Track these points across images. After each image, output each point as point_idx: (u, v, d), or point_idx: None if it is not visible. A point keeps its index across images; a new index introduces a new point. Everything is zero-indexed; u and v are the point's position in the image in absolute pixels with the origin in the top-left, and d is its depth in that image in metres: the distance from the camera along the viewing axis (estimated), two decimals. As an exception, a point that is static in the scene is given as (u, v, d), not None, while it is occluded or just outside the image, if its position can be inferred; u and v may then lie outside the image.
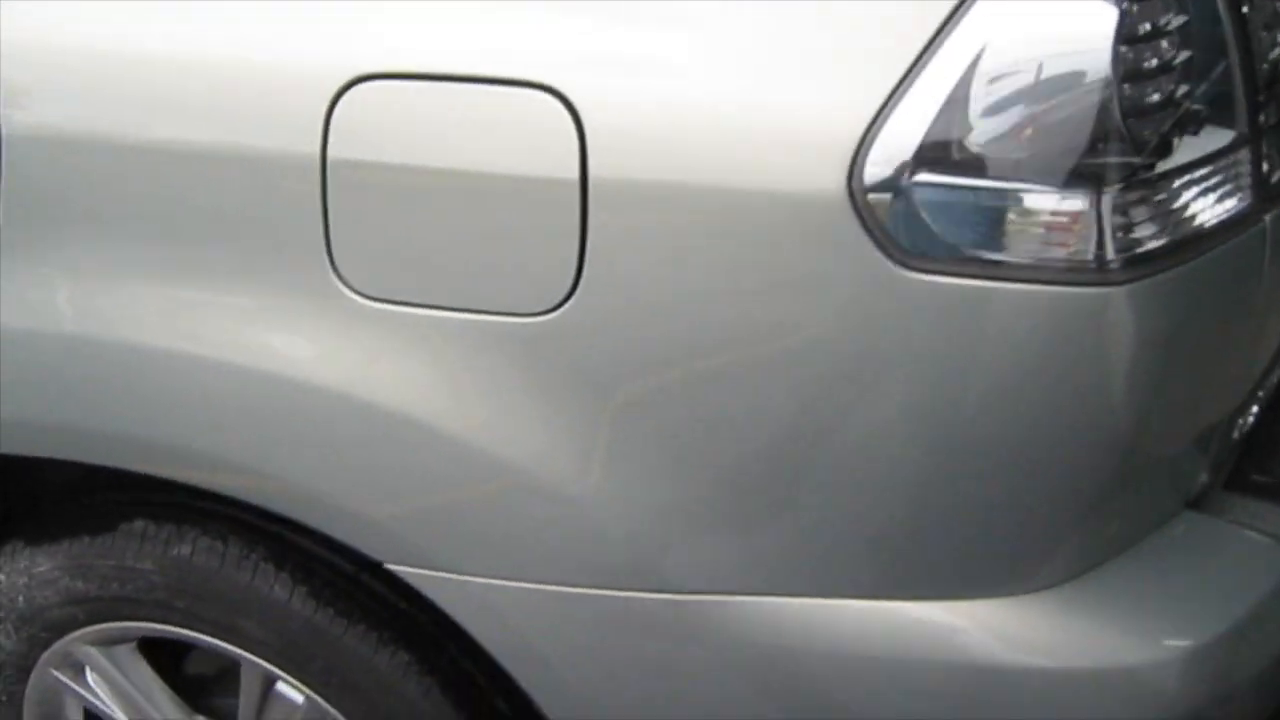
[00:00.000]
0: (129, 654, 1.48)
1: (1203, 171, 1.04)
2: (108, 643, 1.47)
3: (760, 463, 1.09)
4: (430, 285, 1.10)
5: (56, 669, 1.50)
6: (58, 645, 1.47)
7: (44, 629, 1.46)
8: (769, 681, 1.16)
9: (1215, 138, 1.06)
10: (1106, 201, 0.99)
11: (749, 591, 1.14)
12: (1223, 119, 1.07)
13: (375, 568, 1.34)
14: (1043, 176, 0.99)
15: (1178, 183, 1.03)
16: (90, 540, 1.39)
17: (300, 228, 1.10)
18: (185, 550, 1.34)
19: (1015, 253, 1.00)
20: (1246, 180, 1.08)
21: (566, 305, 1.06)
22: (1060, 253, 1.00)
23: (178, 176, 1.12)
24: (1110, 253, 1.00)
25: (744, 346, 1.05)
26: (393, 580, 1.34)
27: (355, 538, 1.21)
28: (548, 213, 1.04)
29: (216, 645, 1.39)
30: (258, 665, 1.38)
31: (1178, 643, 1.16)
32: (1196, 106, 1.03)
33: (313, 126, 1.07)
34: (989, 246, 1.00)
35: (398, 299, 1.10)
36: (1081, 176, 0.98)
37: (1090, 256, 1.00)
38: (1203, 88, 1.04)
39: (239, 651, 1.37)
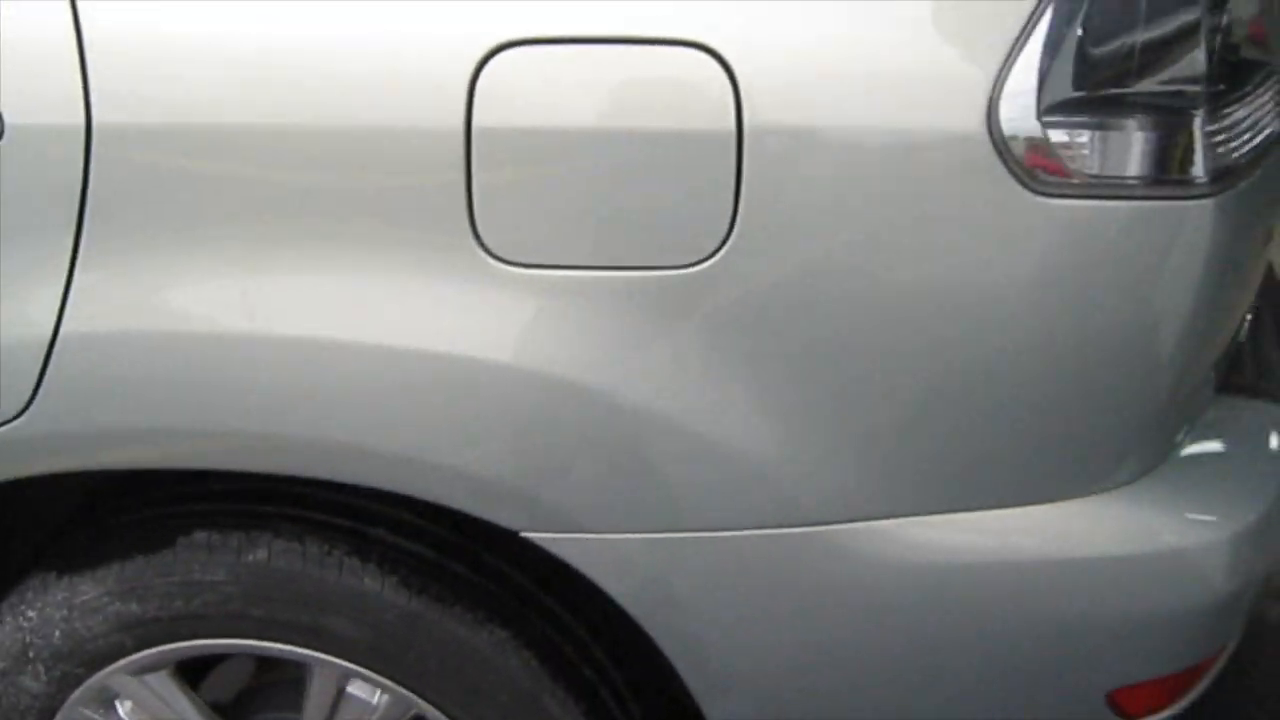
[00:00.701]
0: (165, 680, 1.42)
1: (1257, 97, 1.19)
2: (147, 670, 1.40)
3: (905, 388, 1.16)
4: (577, 246, 1.12)
5: (86, 706, 1.42)
6: (93, 680, 1.40)
7: (81, 664, 1.38)
8: (901, 599, 1.24)
9: (1254, 68, 1.22)
10: (1199, 123, 1.12)
11: (884, 515, 1.21)
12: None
13: (457, 550, 1.35)
14: (1151, 105, 1.11)
15: (1243, 107, 1.17)
16: (146, 559, 1.33)
17: (446, 201, 1.10)
18: (261, 555, 1.31)
19: (1130, 173, 1.12)
20: (1277, 106, 1.24)
21: (719, 254, 1.11)
22: (1165, 171, 1.12)
23: (320, 162, 1.11)
24: (1202, 170, 1.13)
25: (894, 281, 1.13)
26: (477, 560, 1.35)
27: (492, 510, 1.21)
28: (703, 165, 1.09)
29: (290, 653, 1.35)
30: (335, 667, 1.35)
31: (1226, 527, 1.31)
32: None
33: (457, 97, 1.08)
34: (1107, 169, 1.11)
35: (543, 263, 1.12)
36: (1182, 101, 1.11)
37: (1190, 173, 1.13)
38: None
39: (317, 655, 1.34)
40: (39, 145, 1.11)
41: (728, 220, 1.10)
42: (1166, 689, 1.36)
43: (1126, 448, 1.24)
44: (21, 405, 1.18)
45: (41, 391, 1.17)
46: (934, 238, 1.12)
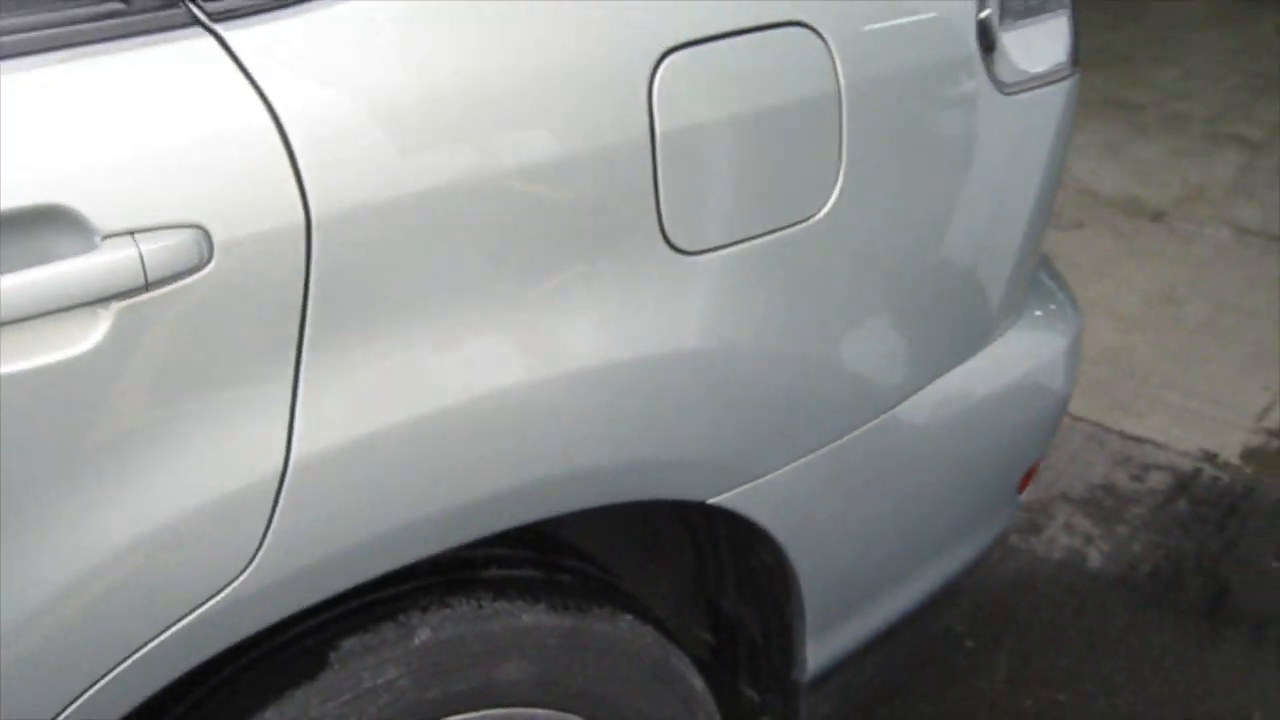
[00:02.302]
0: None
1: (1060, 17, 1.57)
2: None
3: (934, 279, 1.42)
4: (739, 221, 1.23)
5: None
6: None
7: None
8: (933, 445, 1.52)
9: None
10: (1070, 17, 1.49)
11: (924, 383, 1.47)
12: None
13: (545, 564, 1.38)
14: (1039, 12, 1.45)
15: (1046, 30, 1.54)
16: (306, 688, 1.20)
17: (639, 210, 1.15)
18: (425, 634, 1.25)
19: (1041, 67, 1.46)
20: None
21: (832, 201, 1.28)
22: (1053, 64, 1.47)
23: (528, 199, 1.10)
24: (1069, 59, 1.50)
25: (936, 198, 1.38)
26: (562, 565, 1.40)
27: (688, 487, 1.28)
28: (819, 125, 1.25)
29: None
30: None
31: (1067, 334, 1.73)
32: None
33: (638, 106, 1.13)
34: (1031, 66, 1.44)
35: (716, 244, 1.21)
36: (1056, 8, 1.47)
37: (1060, 62, 1.49)
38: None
39: (495, 713, 1.31)
40: (256, 257, 0.98)
41: (837, 171, 1.27)
42: (1033, 471, 1.77)
43: (1015, 300, 1.60)
44: (247, 557, 1.04)
45: (272, 533, 1.04)
46: (955, 149, 1.38)
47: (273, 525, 1.04)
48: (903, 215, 1.36)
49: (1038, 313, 1.68)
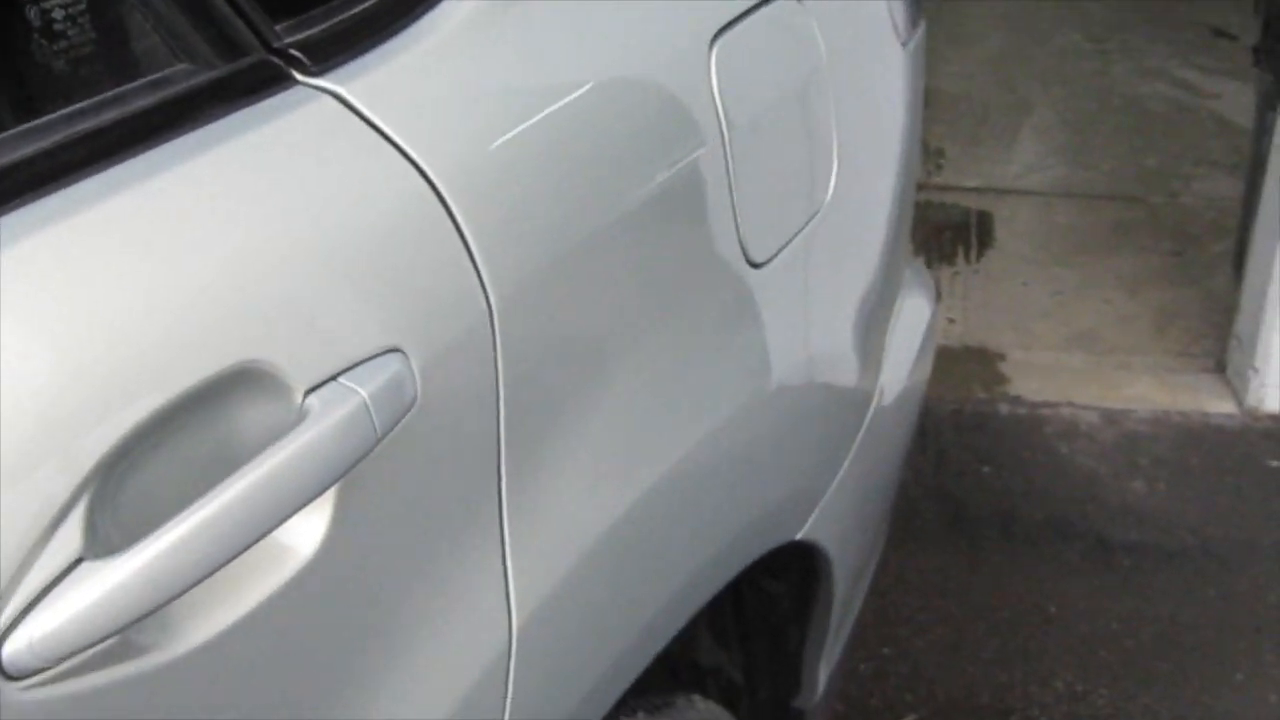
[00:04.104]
0: None
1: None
2: None
3: (902, 221, 1.36)
4: (787, 218, 1.09)
5: None
6: None
7: None
8: (897, 426, 1.44)
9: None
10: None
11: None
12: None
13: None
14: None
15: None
16: None
17: (720, 223, 0.99)
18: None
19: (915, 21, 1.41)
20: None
21: (833, 184, 1.17)
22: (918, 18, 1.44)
23: (645, 230, 0.90)
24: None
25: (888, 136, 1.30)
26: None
27: (785, 527, 1.12)
28: (819, 102, 1.13)
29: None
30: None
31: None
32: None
33: (705, 98, 0.97)
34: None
35: (775, 250, 1.07)
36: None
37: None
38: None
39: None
40: (456, 373, 0.74)
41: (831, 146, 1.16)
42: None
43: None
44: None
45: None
46: (891, 104, 1.31)
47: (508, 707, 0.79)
48: (877, 186, 1.26)
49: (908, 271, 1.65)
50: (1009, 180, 4.16)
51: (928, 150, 4.37)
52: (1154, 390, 3.00)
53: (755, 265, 1.03)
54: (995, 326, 3.31)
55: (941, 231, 3.84)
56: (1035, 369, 3.11)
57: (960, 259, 3.69)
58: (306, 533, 0.64)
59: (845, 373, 1.23)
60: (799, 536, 1.16)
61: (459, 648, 0.75)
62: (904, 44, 1.34)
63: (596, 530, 0.84)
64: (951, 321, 3.35)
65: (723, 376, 0.98)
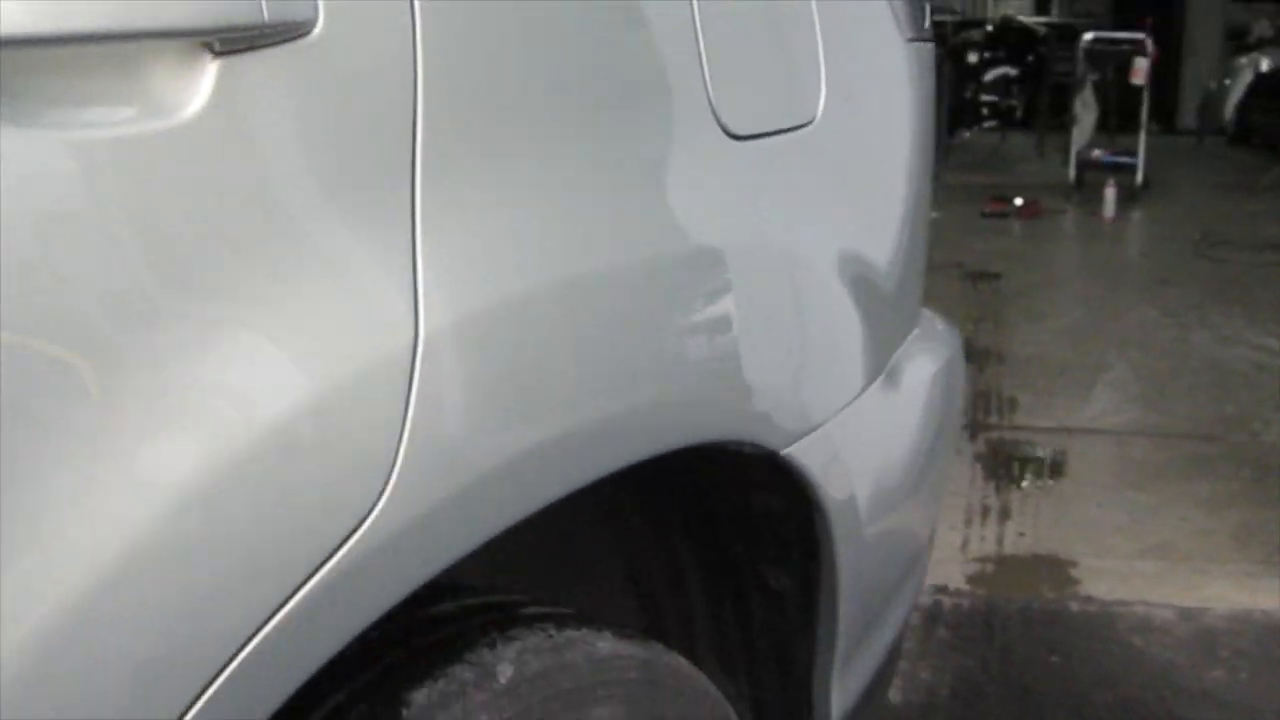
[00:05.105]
0: None
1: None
2: None
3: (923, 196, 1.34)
4: (775, 109, 1.08)
5: None
6: None
7: None
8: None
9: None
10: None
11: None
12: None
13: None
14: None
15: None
16: None
17: (685, 82, 0.98)
18: (508, 671, 0.93)
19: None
20: None
21: (821, 106, 1.17)
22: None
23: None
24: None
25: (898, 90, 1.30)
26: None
27: (763, 429, 1.05)
28: (802, 20, 1.15)
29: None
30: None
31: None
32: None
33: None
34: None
35: (762, 131, 1.06)
36: None
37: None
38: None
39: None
40: (365, 38, 0.72)
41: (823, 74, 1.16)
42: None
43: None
44: (378, 488, 0.72)
45: (404, 446, 0.73)
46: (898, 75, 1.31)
47: (406, 436, 0.73)
48: (878, 125, 1.26)
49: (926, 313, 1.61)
50: (1083, 421, 4.10)
51: (999, 399, 4.34)
52: (1233, 591, 2.83)
53: (733, 136, 1.02)
54: (1066, 539, 3.19)
55: (1011, 462, 3.75)
56: (1107, 573, 2.97)
57: (1031, 484, 3.59)
58: (179, 95, 0.62)
59: (861, 292, 1.18)
60: (783, 450, 1.08)
61: (358, 313, 0.70)
62: (907, 40, 1.36)
63: (515, 287, 0.80)
64: (1021, 534, 3.24)
65: (669, 216, 0.95)
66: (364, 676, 0.90)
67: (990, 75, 11.18)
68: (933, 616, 2.81)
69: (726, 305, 1.00)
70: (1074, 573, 2.99)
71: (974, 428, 4.03)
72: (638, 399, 0.91)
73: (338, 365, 0.70)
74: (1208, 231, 7.42)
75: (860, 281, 1.21)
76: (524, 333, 0.81)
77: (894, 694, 2.49)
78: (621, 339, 0.89)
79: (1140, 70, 8.75)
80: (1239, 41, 13.22)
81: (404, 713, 0.87)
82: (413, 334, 0.73)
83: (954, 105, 10.25)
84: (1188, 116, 13.85)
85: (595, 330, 0.87)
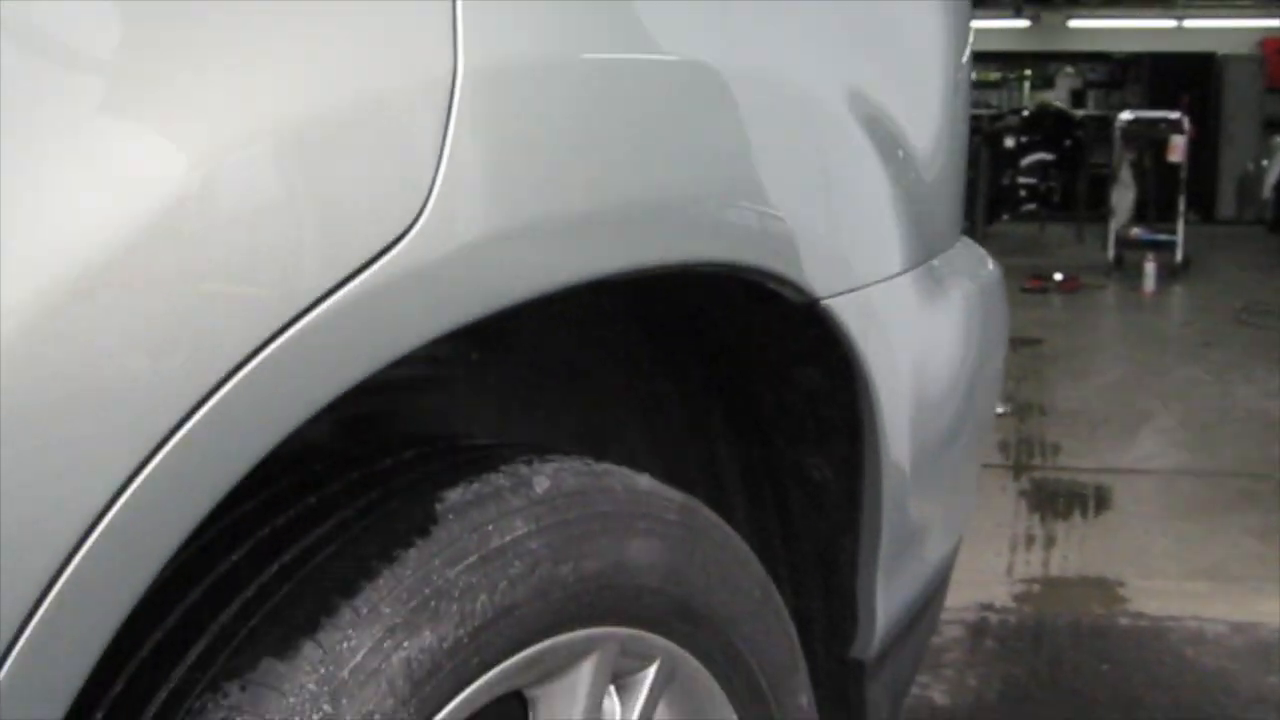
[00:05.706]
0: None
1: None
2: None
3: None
4: None
5: None
6: None
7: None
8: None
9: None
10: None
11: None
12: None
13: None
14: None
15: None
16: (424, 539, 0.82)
17: None
18: (544, 483, 0.91)
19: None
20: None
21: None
22: None
23: None
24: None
25: None
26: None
27: (806, 272, 1.04)
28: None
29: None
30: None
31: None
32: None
33: None
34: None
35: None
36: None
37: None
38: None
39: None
40: None
41: None
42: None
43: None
44: (417, 206, 0.71)
45: (443, 170, 0.72)
46: None
47: (444, 164, 0.72)
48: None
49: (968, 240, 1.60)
50: (1127, 463, 4.03)
51: (1042, 444, 4.29)
52: (1289, 607, 2.76)
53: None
54: (1114, 562, 3.12)
55: (1056, 497, 3.69)
56: (1156, 593, 2.90)
57: (1077, 517, 3.52)
58: None
59: (883, 170, 1.17)
60: (823, 299, 1.06)
61: (400, 46, 0.70)
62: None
63: (553, 50, 0.80)
64: (1066, 558, 3.17)
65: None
66: (399, 480, 0.88)
67: (1027, 160, 11.20)
68: (979, 630, 2.75)
69: (761, 125, 0.99)
70: (1122, 592, 2.93)
71: (1016, 469, 3.97)
72: (666, 194, 0.90)
73: (380, 79, 0.70)
74: (1249, 302, 7.37)
75: (893, 149, 1.20)
76: (558, 100, 0.81)
77: (940, 698, 2.43)
78: (654, 130, 0.89)
79: (1177, 147, 8.74)
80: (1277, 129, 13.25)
81: (437, 508, 0.85)
82: (451, 64, 0.73)
83: (991, 192, 10.28)
84: (1226, 207, 13.83)
85: (628, 116, 0.86)
